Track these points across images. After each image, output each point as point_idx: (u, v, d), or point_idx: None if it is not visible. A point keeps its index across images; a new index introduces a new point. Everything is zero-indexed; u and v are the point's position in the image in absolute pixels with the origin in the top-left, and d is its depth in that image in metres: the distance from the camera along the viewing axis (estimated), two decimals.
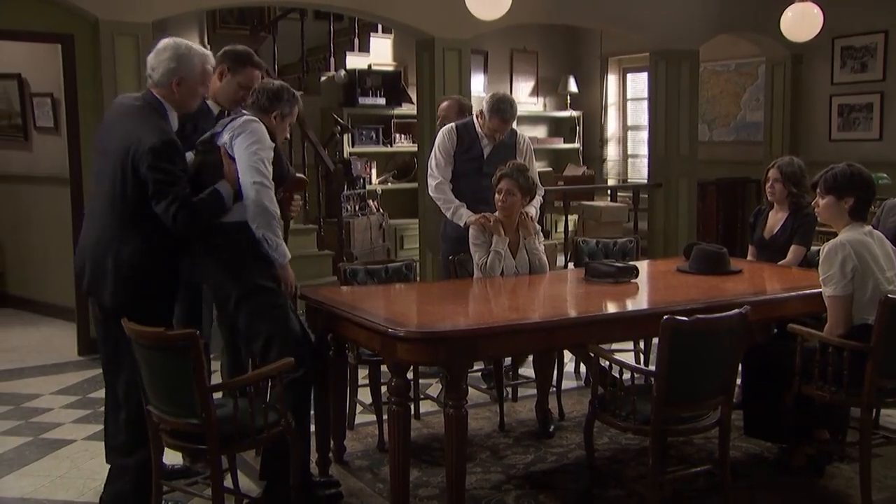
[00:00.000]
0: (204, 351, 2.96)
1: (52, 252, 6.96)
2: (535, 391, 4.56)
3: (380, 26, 9.21)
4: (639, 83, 10.90)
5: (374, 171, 9.18)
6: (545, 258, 4.46)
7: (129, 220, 3.32)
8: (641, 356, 5.12)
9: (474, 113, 5.09)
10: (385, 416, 3.91)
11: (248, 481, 3.77)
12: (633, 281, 4.11)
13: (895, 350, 3.47)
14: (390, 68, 9.45)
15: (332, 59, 9.16)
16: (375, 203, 8.49)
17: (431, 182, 4.90)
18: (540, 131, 11.06)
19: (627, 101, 11.21)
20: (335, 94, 9.00)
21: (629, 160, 11.24)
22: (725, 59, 9.74)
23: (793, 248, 4.64)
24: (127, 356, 3.17)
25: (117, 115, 3.46)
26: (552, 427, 4.45)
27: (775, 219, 4.76)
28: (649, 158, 8.86)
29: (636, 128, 11.08)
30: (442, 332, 3.23)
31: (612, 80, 11.15)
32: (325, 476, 3.79)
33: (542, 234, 4.61)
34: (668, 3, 7.95)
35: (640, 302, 4.01)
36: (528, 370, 4.98)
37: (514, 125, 4.92)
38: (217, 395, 3.13)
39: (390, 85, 9.17)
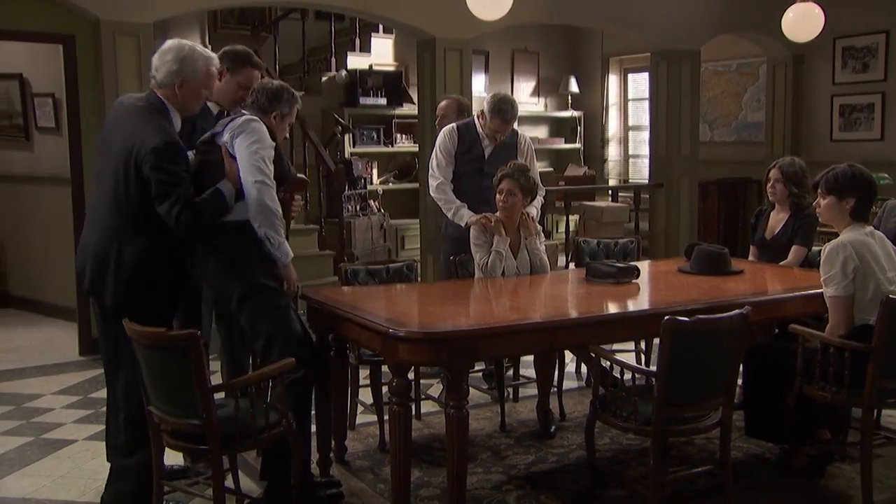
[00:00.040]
0: (203, 351, 2.96)
1: (54, 252, 6.96)
2: (535, 391, 4.56)
3: (381, 26, 9.20)
4: (640, 83, 10.89)
5: (375, 172, 9.17)
6: (546, 258, 4.46)
7: (131, 220, 3.32)
8: (642, 356, 5.12)
9: (475, 113, 5.09)
10: (386, 417, 3.90)
11: (248, 482, 3.77)
12: (634, 281, 4.11)
13: None
14: (391, 68, 9.44)
15: (334, 60, 9.14)
16: (376, 203, 8.48)
17: (432, 182, 4.90)
18: (541, 131, 11.05)
19: (628, 101, 11.20)
20: (336, 95, 8.99)
21: (630, 160, 11.23)
22: (726, 59, 9.72)
23: (794, 248, 4.63)
24: (127, 356, 3.17)
25: (120, 115, 3.45)
26: (553, 427, 4.45)
27: (776, 219, 4.76)
28: (650, 159, 8.85)
29: (637, 128, 11.07)
30: (443, 332, 3.22)
31: (613, 81, 11.13)
32: (326, 476, 3.79)
33: (543, 235, 4.61)
34: (669, 3, 7.93)
35: (641, 302, 4.00)
36: (528, 370, 4.98)
37: (515, 125, 4.91)
38: (218, 396, 3.13)
39: (391, 85, 9.16)
